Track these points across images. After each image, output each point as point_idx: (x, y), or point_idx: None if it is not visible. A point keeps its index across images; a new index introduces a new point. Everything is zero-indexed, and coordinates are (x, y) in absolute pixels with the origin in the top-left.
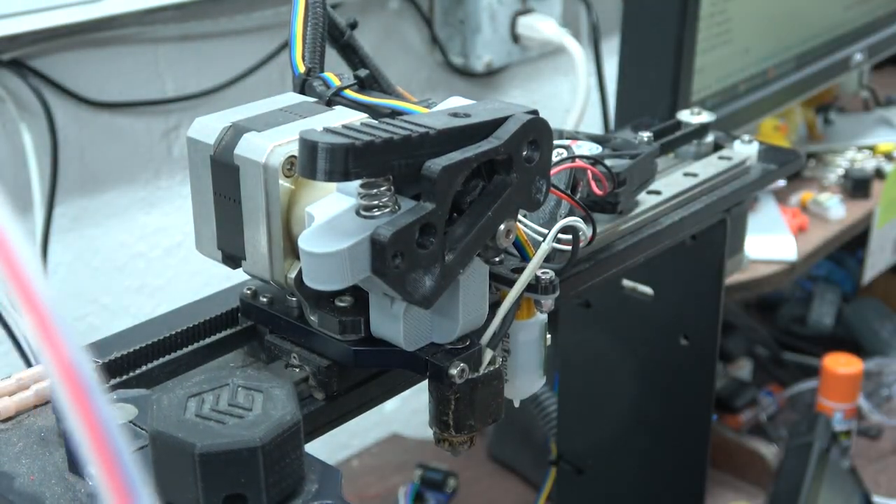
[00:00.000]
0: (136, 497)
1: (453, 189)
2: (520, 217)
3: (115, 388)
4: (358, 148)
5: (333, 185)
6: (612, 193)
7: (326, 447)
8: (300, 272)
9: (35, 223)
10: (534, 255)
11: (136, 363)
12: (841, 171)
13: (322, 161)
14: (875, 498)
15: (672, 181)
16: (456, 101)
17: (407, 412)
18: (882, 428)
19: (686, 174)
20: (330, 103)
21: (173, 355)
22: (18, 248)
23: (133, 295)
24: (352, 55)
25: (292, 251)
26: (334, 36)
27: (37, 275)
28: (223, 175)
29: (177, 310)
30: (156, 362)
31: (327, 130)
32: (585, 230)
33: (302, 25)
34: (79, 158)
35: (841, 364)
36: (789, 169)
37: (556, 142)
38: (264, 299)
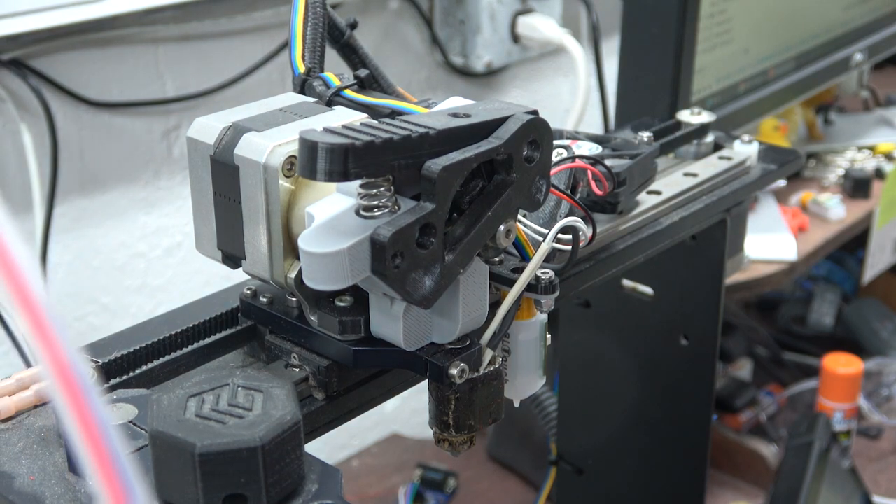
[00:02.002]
0: (132, 498)
1: (453, 189)
2: (520, 217)
3: (115, 388)
4: (358, 148)
5: (333, 185)
6: (612, 193)
7: (326, 447)
8: (300, 272)
9: (35, 223)
10: (534, 255)
11: (136, 363)
12: (841, 171)
13: (322, 161)
14: (875, 498)
15: (672, 181)
16: (456, 101)
17: (407, 412)
18: (882, 428)
19: (686, 174)
20: (330, 103)
21: (173, 355)
22: (14, 248)
23: (133, 295)
24: (352, 55)
25: (292, 251)
26: (334, 36)
27: (33, 276)
28: (223, 175)
29: (177, 310)
30: (156, 362)
31: (327, 130)
32: (585, 230)
33: (302, 25)
34: (79, 158)
35: (841, 364)
36: (789, 169)
37: (556, 142)
38: (264, 299)
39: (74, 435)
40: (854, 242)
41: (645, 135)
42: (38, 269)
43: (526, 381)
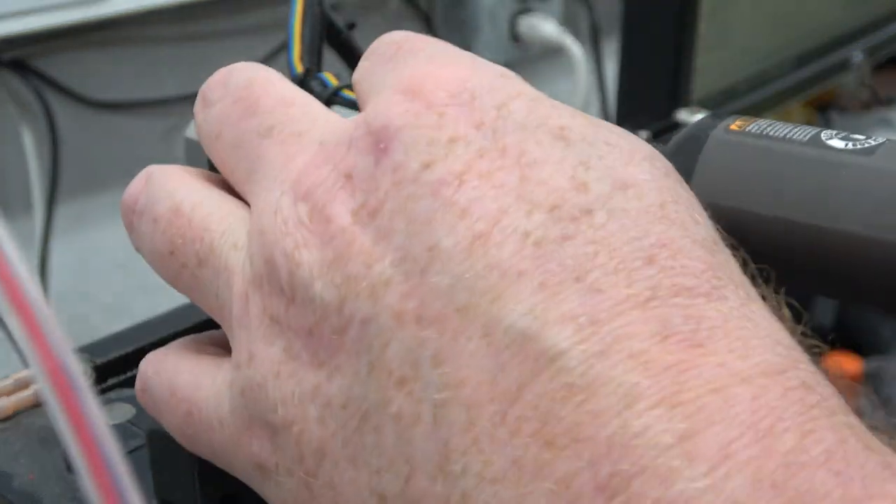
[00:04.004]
0: (126, 502)
1: None
2: None
3: (113, 387)
4: None
5: None
6: None
7: None
8: None
9: (35, 223)
10: None
11: (136, 363)
12: None
13: None
14: None
15: None
16: None
17: None
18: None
19: None
20: (328, 103)
21: None
22: (5, 246)
23: (133, 295)
24: (350, 55)
25: None
26: (332, 36)
27: (26, 274)
28: None
29: (177, 310)
30: None
31: None
32: None
33: (300, 25)
34: (79, 158)
35: (841, 364)
36: None
37: None
38: None
39: (67, 437)
40: None
41: (644, 134)
42: (33, 267)
43: None
